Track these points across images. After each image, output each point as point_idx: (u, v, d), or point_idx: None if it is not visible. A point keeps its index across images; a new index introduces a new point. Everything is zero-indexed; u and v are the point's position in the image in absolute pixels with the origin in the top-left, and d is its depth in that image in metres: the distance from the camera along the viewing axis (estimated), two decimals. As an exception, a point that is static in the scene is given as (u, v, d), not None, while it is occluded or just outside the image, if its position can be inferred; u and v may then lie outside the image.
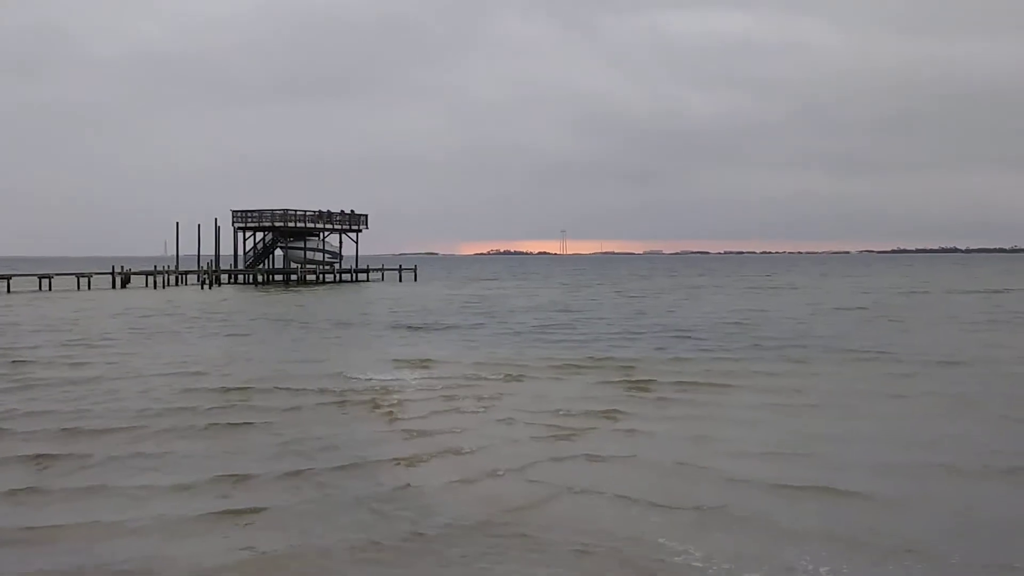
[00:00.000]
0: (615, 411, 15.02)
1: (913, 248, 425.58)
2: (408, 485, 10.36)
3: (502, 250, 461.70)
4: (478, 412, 15.12)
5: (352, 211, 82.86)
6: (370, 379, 18.84)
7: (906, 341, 26.78)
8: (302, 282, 75.60)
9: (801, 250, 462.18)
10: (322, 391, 17.33)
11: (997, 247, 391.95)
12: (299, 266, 78.08)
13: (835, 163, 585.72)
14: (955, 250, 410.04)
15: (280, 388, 17.64)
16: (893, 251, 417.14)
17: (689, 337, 28.40)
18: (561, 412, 14.97)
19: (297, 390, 17.43)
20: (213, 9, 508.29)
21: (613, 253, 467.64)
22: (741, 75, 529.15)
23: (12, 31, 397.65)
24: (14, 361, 21.97)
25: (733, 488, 10.21)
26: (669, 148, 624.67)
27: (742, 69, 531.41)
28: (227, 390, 17.29)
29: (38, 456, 11.85)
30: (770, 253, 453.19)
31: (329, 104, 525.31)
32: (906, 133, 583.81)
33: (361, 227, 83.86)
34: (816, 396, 16.75)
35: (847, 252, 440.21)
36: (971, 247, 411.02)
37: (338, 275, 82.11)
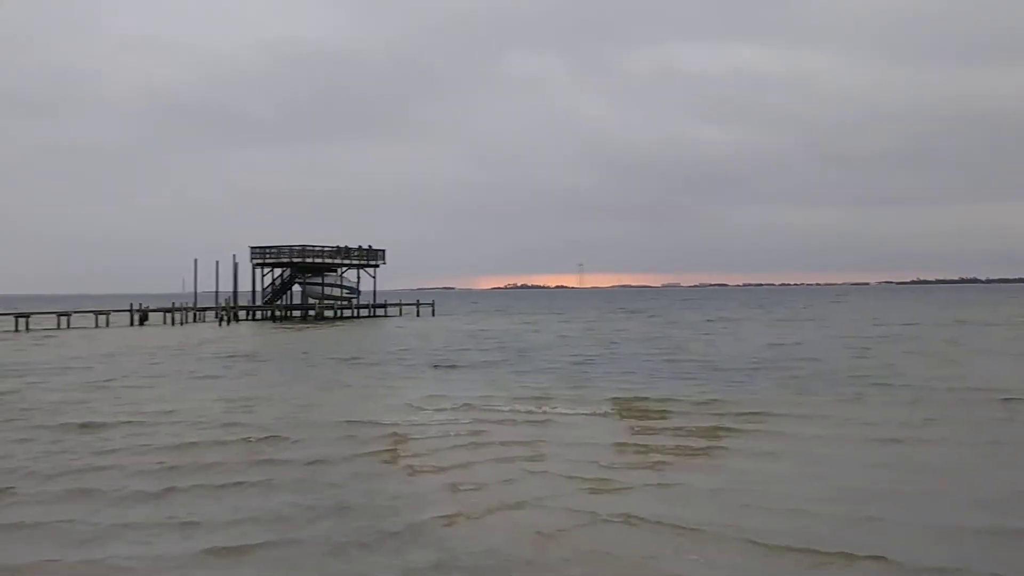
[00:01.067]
0: (661, 463, 13.91)
1: (933, 279, 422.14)
2: (476, 553, 9.34)
3: (519, 284, 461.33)
4: (516, 461, 14.07)
5: (370, 246, 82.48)
6: (399, 424, 17.82)
7: (962, 375, 25.68)
8: (320, 318, 75.00)
9: (820, 282, 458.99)
10: (349, 439, 16.33)
11: (1017, 277, 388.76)
12: (317, 302, 77.56)
13: (851, 194, 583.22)
14: (975, 280, 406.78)
15: (303, 437, 16.56)
16: (913, 282, 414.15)
17: (728, 371, 27.42)
18: (604, 464, 13.88)
19: (322, 438, 16.40)
20: (222, 46, 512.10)
21: (630, 286, 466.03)
22: (755, 108, 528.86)
23: (29, 72, 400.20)
24: (25, 408, 21.06)
25: (796, 559, 9.11)
26: (684, 181, 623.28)
27: (755, 102, 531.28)
28: (248, 441, 16.22)
29: (37, 523, 10.80)
30: (789, 285, 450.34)
31: (342, 141, 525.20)
32: (922, 164, 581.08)
33: (379, 262, 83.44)
34: (878, 442, 15.57)
35: (866, 283, 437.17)
36: (991, 277, 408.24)
37: (356, 310, 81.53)
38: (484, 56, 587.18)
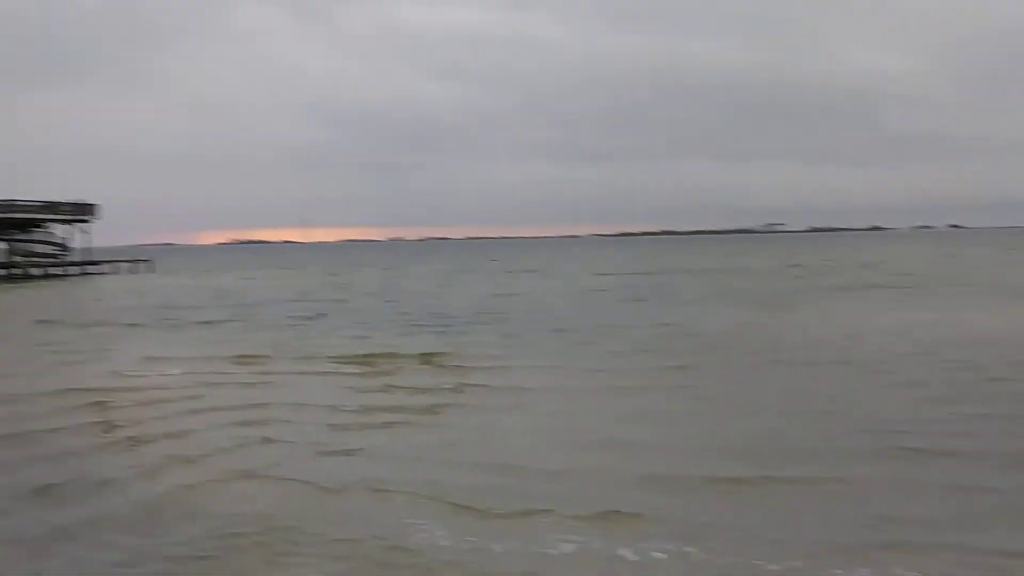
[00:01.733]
0: (390, 423, 13.68)
1: (637, 231, 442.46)
2: (194, 535, 8.75)
3: (243, 240, 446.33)
4: (241, 426, 13.40)
5: (82, 201, 77.47)
6: (113, 390, 16.63)
7: (678, 320, 27.07)
8: (26, 277, 69.83)
9: (536, 235, 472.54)
10: (57, 409, 14.99)
11: (710, 229, 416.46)
12: (23, 259, 72.41)
13: (562, 152, 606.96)
14: (674, 232, 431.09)
15: (3, 410, 15.19)
16: (619, 234, 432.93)
17: (457, 323, 28.16)
18: (331, 424, 13.59)
19: (26, 411, 15.03)
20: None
21: (356, 240, 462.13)
22: (473, 66, 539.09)
23: None
24: None
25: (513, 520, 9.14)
26: (406, 137, 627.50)
27: (474, 61, 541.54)
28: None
29: None
30: (508, 238, 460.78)
31: (53, 92, 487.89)
32: (627, 124, 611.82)
33: (91, 217, 78.50)
34: (605, 392, 16.20)
35: (578, 236, 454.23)
36: (688, 229, 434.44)
37: (66, 268, 76.53)
38: (203, 7, 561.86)
